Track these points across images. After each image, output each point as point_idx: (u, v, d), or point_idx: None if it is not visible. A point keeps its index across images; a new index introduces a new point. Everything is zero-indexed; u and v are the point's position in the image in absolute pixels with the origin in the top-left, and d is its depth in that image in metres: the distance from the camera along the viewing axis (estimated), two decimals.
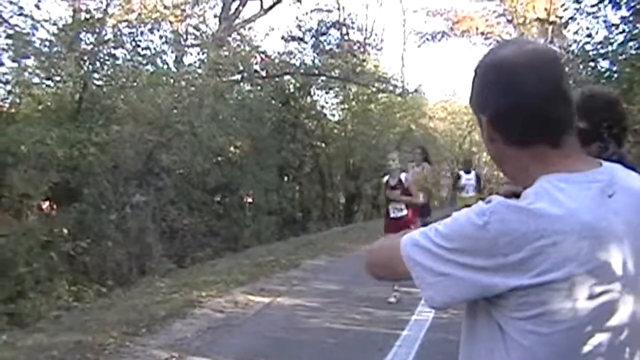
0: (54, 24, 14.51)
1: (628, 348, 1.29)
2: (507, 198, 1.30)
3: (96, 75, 15.30)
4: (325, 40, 26.66)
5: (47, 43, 13.90)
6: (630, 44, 11.24)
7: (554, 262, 1.21)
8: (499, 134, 1.39)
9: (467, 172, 13.98)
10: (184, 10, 18.99)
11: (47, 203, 13.56)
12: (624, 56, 11.21)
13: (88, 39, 15.57)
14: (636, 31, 11.04)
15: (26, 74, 13.43)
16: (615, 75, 11.10)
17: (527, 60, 1.34)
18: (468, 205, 1.36)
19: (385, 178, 9.16)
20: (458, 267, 1.27)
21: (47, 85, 14.88)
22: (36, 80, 14.15)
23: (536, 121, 1.34)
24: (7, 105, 14.14)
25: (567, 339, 1.24)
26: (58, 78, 14.39)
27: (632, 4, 11.17)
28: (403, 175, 8.95)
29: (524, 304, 1.24)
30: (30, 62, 13.55)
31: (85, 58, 14.91)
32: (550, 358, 1.25)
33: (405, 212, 8.73)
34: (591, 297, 1.24)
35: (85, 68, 14.80)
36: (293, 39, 26.29)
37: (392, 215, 8.78)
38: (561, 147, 1.35)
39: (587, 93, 2.58)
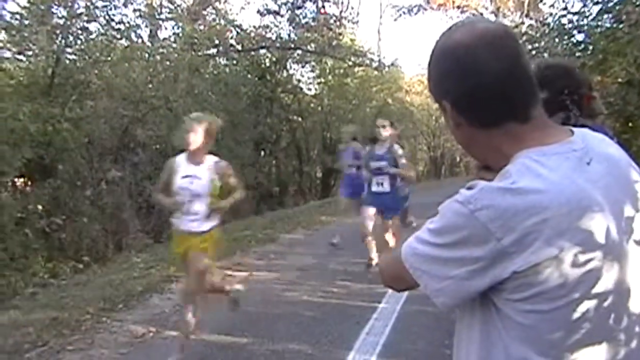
0: None
1: (613, 314, 1.29)
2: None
3: (69, 50, 15.09)
4: (301, 14, 26.45)
5: (17, 16, 13.67)
6: (605, 16, 11.26)
7: (546, 238, 1.20)
8: (464, 117, 1.37)
9: None
10: None
11: (20, 179, 13.42)
12: (599, 29, 11.24)
13: (60, 12, 15.32)
14: (611, 4, 11.06)
15: None
16: (590, 47, 11.12)
17: (481, 41, 1.33)
18: None
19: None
20: (458, 265, 1.26)
21: (19, 60, 14.67)
22: (7, 54, 13.96)
23: (500, 99, 1.33)
24: None
25: (567, 312, 1.24)
26: (30, 52, 14.23)
27: None
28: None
29: (522, 285, 1.23)
30: (0, 36, 13.33)
31: (58, 32, 14.69)
32: (553, 332, 1.25)
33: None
34: (583, 267, 1.24)
35: (58, 42, 14.61)
36: (269, 12, 26.06)
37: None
38: (530, 121, 1.35)
39: (543, 64, 2.63)
